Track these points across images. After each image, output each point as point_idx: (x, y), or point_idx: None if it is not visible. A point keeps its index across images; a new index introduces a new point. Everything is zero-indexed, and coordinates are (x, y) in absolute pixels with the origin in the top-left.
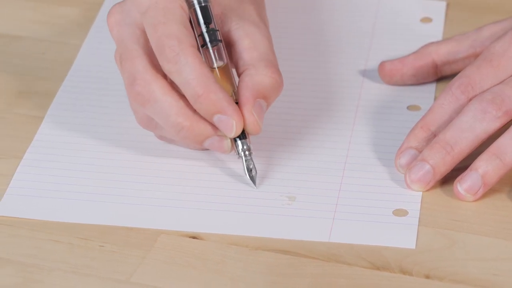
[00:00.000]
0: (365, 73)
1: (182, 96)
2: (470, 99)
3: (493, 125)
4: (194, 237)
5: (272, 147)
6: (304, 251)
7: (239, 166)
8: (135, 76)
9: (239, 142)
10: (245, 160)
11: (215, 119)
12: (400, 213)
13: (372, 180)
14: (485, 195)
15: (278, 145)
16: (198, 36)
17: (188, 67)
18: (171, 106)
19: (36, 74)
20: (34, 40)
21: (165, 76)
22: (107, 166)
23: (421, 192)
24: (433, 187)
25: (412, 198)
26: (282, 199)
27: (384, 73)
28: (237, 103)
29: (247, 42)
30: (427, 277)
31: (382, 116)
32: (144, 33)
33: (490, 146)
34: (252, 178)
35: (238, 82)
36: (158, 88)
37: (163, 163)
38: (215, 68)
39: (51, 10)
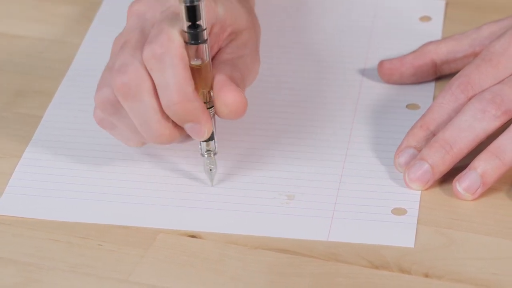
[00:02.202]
0: (364, 72)
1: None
2: (470, 99)
3: (493, 125)
4: (193, 236)
5: (270, 145)
6: (303, 250)
7: (239, 166)
8: (129, 67)
9: (203, 144)
10: (207, 159)
11: (187, 126)
12: (399, 212)
13: (371, 179)
14: (484, 194)
15: (277, 144)
16: (185, 32)
17: (172, 70)
18: (155, 112)
19: (35, 73)
20: (33, 39)
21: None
22: (106, 165)
23: (420, 191)
24: (432, 186)
25: (411, 197)
26: (281, 198)
27: (383, 72)
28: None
29: (235, 50)
30: (426, 276)
31: (381, 115)
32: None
33: (489, 146)
34: (210, 176)
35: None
36: (147, 88)
37: (162, 162)
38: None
39: (50, 9)
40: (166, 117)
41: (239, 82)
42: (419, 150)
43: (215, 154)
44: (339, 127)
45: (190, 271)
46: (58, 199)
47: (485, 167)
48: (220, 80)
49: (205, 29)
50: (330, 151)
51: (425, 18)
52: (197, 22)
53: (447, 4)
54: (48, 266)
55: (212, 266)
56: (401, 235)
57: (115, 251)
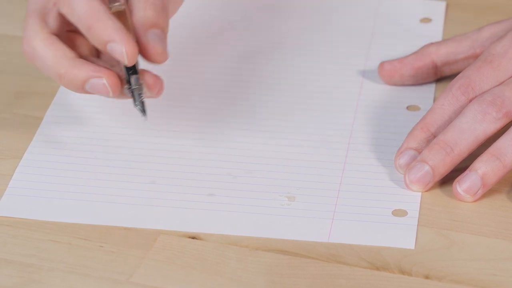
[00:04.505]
0: (364, 73)
1: (63, 46)
2: (470, 100)
3: (493, 127)
4: (193, 238)
5: (271, 147)
6: (303, 251)
7: (239, 166)
8: (24, 35)
9: (133, 77)
10: (136, 94)
11: (108, 48)
12: (399, 213)
13: (371, 181)
14: (484, 195)
15: (277, 145)
16: None
17: (79, 4)
18: (49, 58)
19: (36, 74)
20: None
21: (52, 32)
22: (107, 166)
23: (421, 193)
24: (433, 187)
25: (412, 199)
26: (281, 199)
27: (384, 73)
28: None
29: None
30: (427, 277)
31: (382, 116)
32: None
33: (490, 147)
34: (141, 109)
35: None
36: (38, 42)
37: (162, 163)
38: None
39: None
40: (62, 58)
41: (156, 17)
42: (420, 151)
43: (141, 88)
44: (340, 128)
45: (191, 272)
46: (58, 200)
47: (485, 168)
48: (134, 29)
49: None
50: (330, 152)
51: (426, 20)
52: None
53: (447, 6)
54: (48, 267)
55: (212, 267)
56: (401, 236)
57: (115, 252)
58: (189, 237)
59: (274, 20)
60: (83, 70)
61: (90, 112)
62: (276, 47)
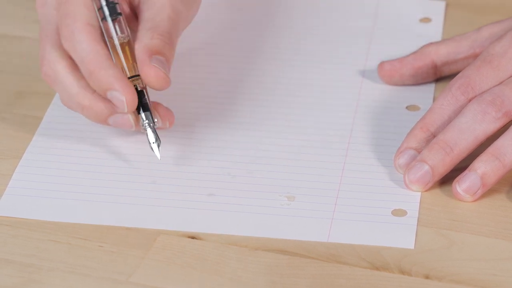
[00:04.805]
0: (364, 73)
1: (84, 78)
2: (470, 100)
3: (493, 126)
4: (193, 237)
5: (270, 147)
6: (303, 251)
7: (239, 166)
8: (43, 57)
9: (142, 114)
10: (148, 132)
11: (108, 95)
12: (399, 213)
13: (371, 180)
14: (484, 195)
15: (277, 145)
16: (98, 10)
17: (82, 45)
18: (72, 86)
19: (35, 74)
20: (34, 40)
21: (72, 58)
22: (107, 166)
23: (420, 192)
24: (432, 187)
25: (411, 198)
26: (281, 199)
27: (384, 73)
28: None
29: (148, 14)
30: (426, 277)
31: (381, 116)
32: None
33: (490, 147)
34: (155, 149)
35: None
36: (61, 68)
37: (162, 163)
38: (116, 43)
39: None
40: (86, 89)
41: (162, 46)
42: (419, 151)
43: (154, 125)
44: (339, 128)
45: (190, 272)
46: (58, 200)
47: (485, 168)
48: (139, 53)
49: (117, 3)
50: (330, 152)
51: (425, 20)
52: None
53: (447, 6)
54: (48, 267)
55: (212, 267)
56: (401, 236)
57: (115, 252)
58: (189, 237)
59: (274, 20)
60: (108, 104)
61: None
62: (276, 47)
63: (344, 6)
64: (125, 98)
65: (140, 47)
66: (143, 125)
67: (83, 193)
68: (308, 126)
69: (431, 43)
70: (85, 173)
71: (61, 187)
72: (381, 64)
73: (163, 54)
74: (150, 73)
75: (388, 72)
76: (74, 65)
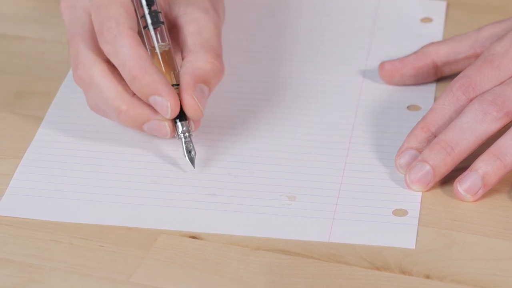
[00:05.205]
0: (365, 73)
1: (122, 79)
2: (471, 100)
3: (494, 126)
4: (194, 237)
5: (271, 147)
6: (304, 251)
7: (240, 166)
8: (78, 60)
9: (178, 124)
10: (184, 142)
11: (151, 100)
12: (400, 213)
13: (372, 180)
14: (485, 195)
15: (278, 145)
16: (141, 17)
17: (124, 49)
18: (110, 90)
19: (36, 74)
20: (34, 40)
21: (108, 61)
22: (107, 166)
23: (421, 192)
24: (433, 187)
25: (412, 198)
26: (282, 199)
27: (384, 73)
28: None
29: (192, 28)
30: (427, 277)
31: (382, 116)
32: (90, 17)
33: (491, 147)
34: (191, 160)
35: (180, 68)
36: (98, 71)
37: (163, 163)
38: (157, 51)
39: (51, 10)
40: (124, 93)
41: (212, 75)
42: (420, 151)
43: (190, 135)
44: (340, 128)
45: (191, 272)
46: (59, 200)
47: (486, 168)
48: (187, 76)
49: (160, 12)
50: (331, 152)
51: (426, 19)
52: (152, 7)
53: (448, 5)
54: (49, 267)
55: (213, 267)
56: (402, 236)
57: (116, 252)
58: (190, 237)
59: (274, 20)
60: (146, 110)
61: (90, 111)
62: (276, 47)
63: (345, 6)
64: (169, 103)
65: (190, 70)
66: (179, 134)
67: (84, 193)
68: (309, 126)
69: (432, 43)
70: (86, 173)
71: (62, 187)
72: (382, 64)
73: (209, 84)
74: (187, 101)
75: (389, 72)
76: (111, 69)
